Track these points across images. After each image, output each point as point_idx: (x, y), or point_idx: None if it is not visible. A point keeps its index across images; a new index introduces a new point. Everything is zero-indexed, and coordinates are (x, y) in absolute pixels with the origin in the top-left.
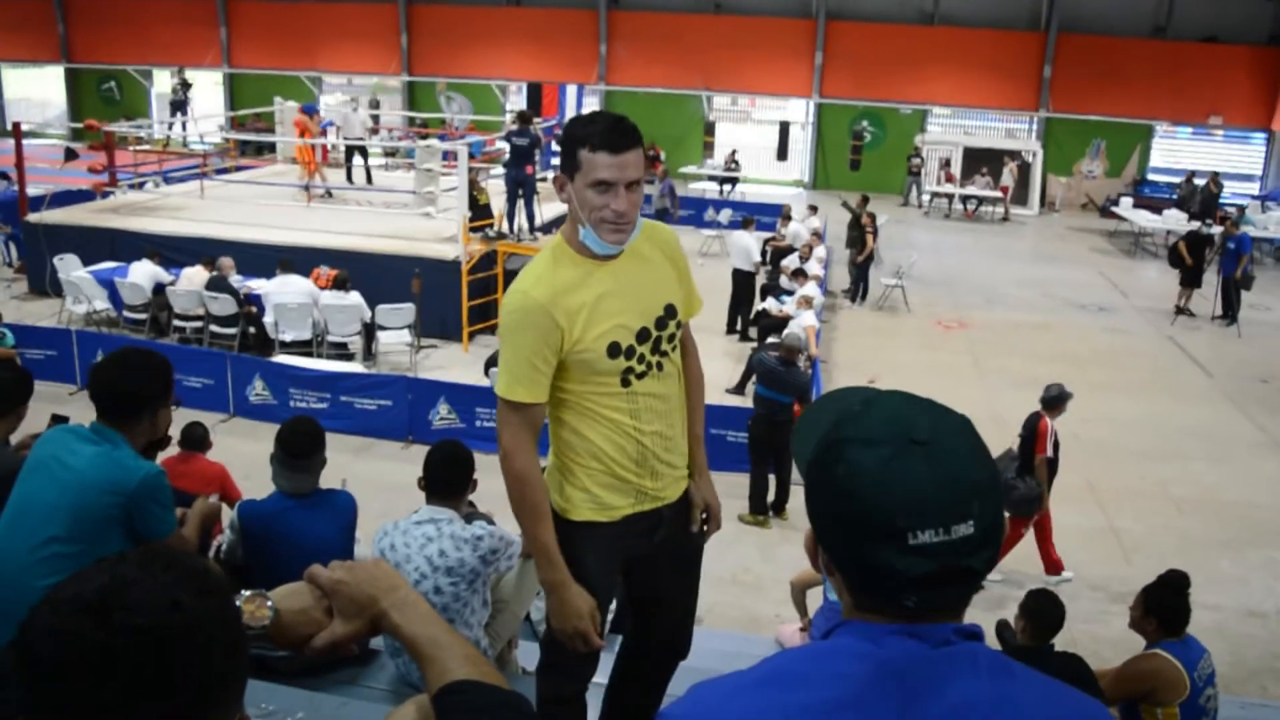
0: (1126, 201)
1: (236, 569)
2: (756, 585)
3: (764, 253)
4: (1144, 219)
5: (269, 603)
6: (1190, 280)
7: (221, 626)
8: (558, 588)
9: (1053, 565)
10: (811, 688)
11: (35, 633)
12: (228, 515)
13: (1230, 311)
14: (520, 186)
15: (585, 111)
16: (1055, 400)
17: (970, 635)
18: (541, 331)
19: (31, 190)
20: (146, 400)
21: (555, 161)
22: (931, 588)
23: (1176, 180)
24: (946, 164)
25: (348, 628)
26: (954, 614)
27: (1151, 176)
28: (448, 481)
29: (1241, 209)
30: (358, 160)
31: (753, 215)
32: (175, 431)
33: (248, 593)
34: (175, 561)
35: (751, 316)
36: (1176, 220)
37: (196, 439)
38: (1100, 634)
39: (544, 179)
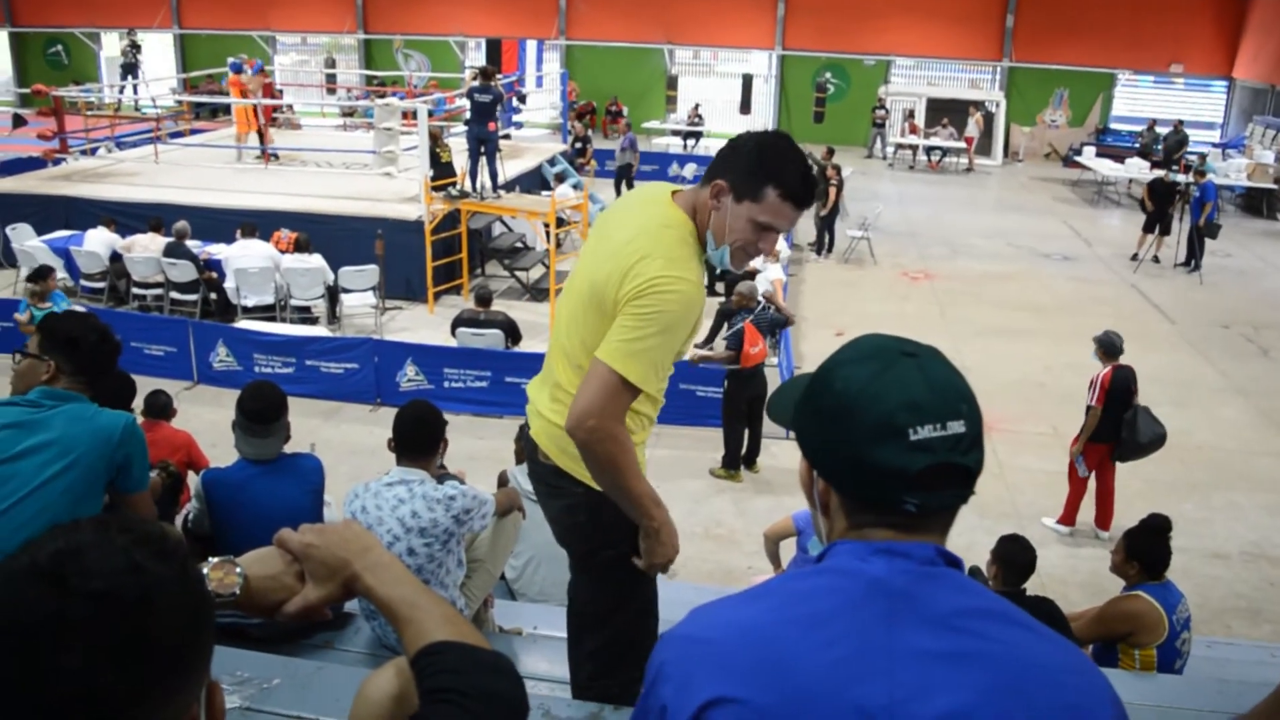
0: (1089, 150)
1: (203, 539)
2: (730, 539)
3: None
4: (1107, 168)
5: (238, 569)
6: (1152, 227)
7: (183, 590)
8: (665, 525)
9: (1068, 518)
10: (804, 602)
11: None
12: (195, 485)
13: (1194, 259)
14: (483, 144)
15: (546, 69)
16: (1118, 348)
17: (952, 562)
18: (691, 327)
19: None
20: None
21: (517, 118)
22: (930, 488)
23: (1139, 129)
24: (910, 115)
25: (320, 592)
26: (942, 531)
27: (1114, 125)
28: (418, 442)
29: (1203, 157)
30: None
31: None
32: (139, 401)
33: (215, 560)
34: (132, 525)
35: (718, 272)
36: (1139, 169)
37: (160, 407)
38: (1068, 578)
39: (506, 136)
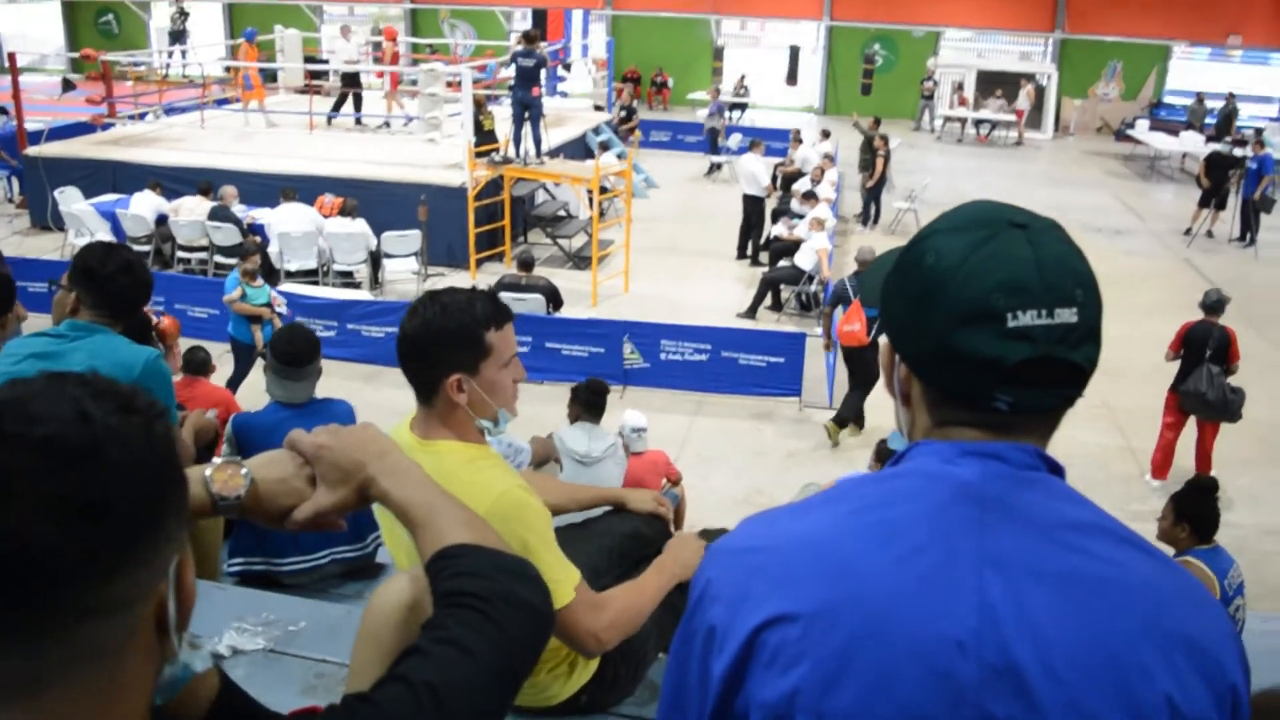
0: (1143, 124)
1: None
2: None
3: (774, 178)
4: (1160, 141)
5: (244, 471)
6: (1207, 201)
7: (146, 448)
8: (672, 576)
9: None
10: (878, 509)
11: None
12: (227, 431)
13: (1249, 233)
14: (526, 109)
15: (591, 39)
16: (1215, 305)
17: (1055, 469)
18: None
19: (30, 125)
20: None
21: (561, 87)
22: (1029, 384)
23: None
24: (960, 87)
25: (332, 497)
26: (1043, 433)
27: (1168, 99)
28: None
29: (1259, 132)
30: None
31: (761, 139)
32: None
33: (219, 460)
34: (91, 380)
35: (762, 242)
36: (1193, 143)
37: (199, 363)
38: None
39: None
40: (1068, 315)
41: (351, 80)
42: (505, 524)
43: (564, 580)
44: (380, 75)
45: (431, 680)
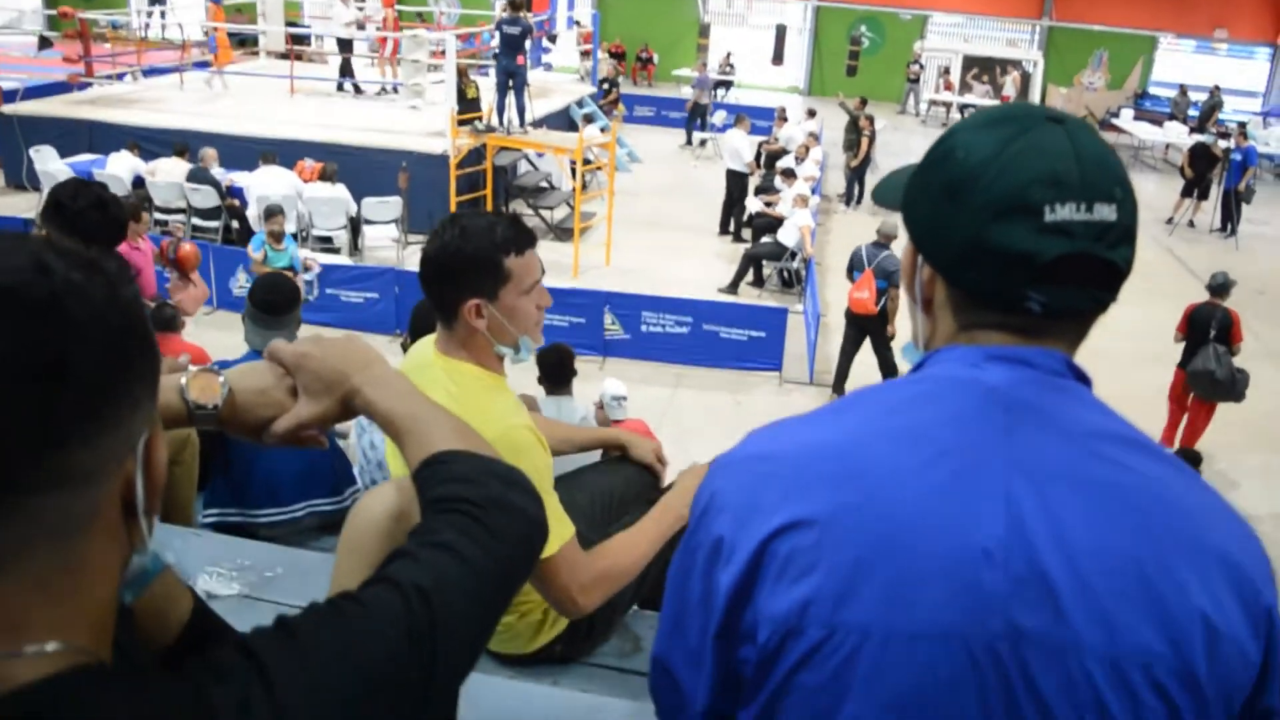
0: (1127, 114)
1: (212, 436)
2: None
3: (758, 155)
4: (1144, 132)
5: (220, 379)
6: (1190, 192)
7: (109, 305)
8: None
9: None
10: (899, 413)
11: None
12: None
13: (1230, 223)
14: (511, 77)
15: (577, 12)
16: (1221, 288)
17: (1083, 378)
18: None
19: (5, 83)
20: None
21: (546, 58)
22: (1063, 283)
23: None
24: (946, 72)
25: (313, 408)
26: (1071, 340)
27: (1153, 90)
28: None
29: (1242, 125)
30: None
31: (746, 115)
32: None
33: (195, 369)
34: (57, 242)
35: (745, 218)
36: (1177, 134)
37: (166, 319)
38: None
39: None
40: (1107, 212)
41: (346, 46)
42: (509, 455)
43: (558, 530)
44: (384, 42)
45: (421, 583)
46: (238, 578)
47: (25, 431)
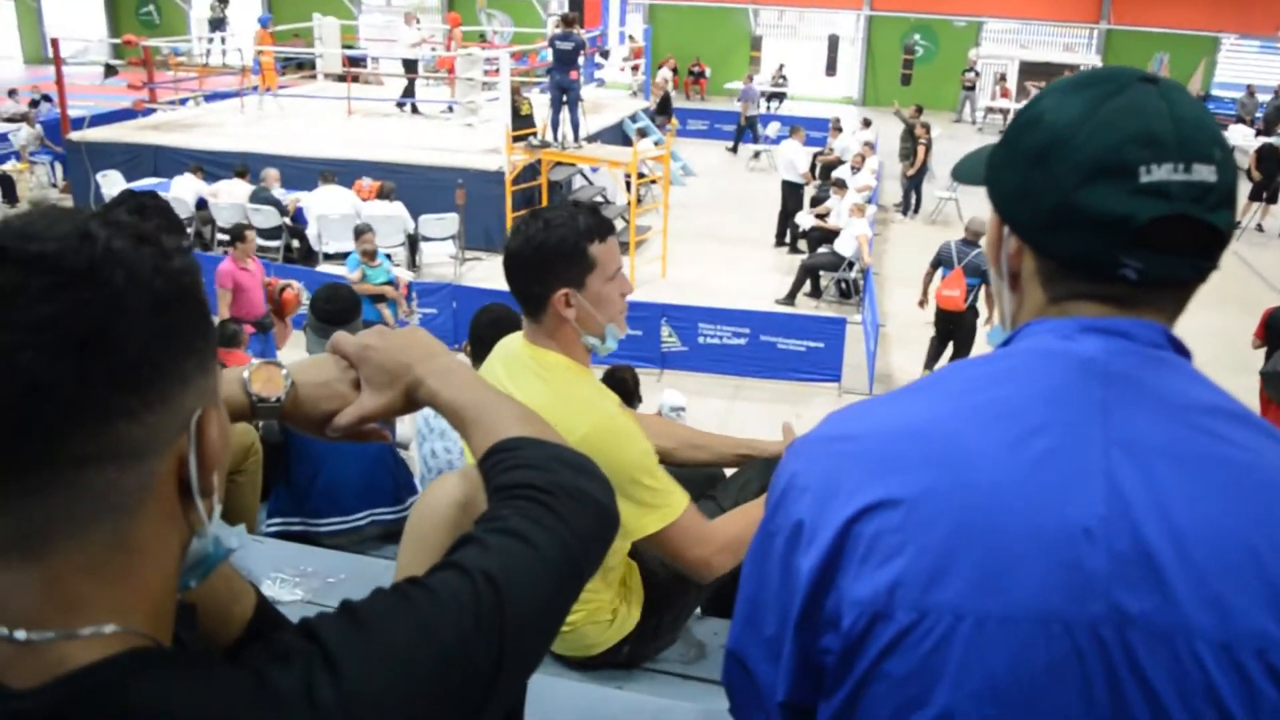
0: None
1: (275, 446)
2: None
3: (813, 165)
4: None
5: (284, 372)
6: (1258, 195)
7: (155, 276)
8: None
9: None
10: (989, 388)
11: None
12: None
13: None
14: (564, 92)
15: (629, 27)
16: None
17: (1183, 350)
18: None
19: (73, 112)
20: None
21: (598, 74)
22: (1161, 249)
23: (1241, 95)
24: (1002, 78)
25: (378, 400)
26: (1171, 312)
27: (1216, 92)
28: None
29: None
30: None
31: (801, 126)
32: None
33: (258, 361)
34: (104, 213)
35: (801, 230)
36: (1243, 136)
37: (229, 335)
38: None
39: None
40: (1206, 173)
41: (411, 67)
42: (611, 440)
43: (674, 500)
44: (446, 63)
45: (489, 569)
46: (301, 584)
47: (64, 402)
